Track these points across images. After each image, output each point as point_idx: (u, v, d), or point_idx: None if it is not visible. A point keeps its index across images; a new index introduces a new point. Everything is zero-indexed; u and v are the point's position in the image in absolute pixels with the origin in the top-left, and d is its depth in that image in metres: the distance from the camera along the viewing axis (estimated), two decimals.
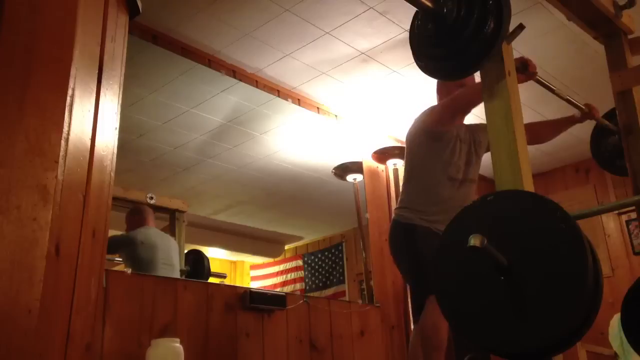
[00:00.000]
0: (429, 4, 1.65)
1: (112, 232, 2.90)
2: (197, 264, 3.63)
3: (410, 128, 2.83)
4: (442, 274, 1.38)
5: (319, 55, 3.50)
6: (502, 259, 1.24)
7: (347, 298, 4.16)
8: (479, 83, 2.06)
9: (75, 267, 1.40)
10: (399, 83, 3.83)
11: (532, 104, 4.05)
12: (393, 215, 2.83)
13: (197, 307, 2.88)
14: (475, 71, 1.70)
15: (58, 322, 1.31)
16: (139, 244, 3.22)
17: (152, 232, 3.36)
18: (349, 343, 3.62)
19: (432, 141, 2.72)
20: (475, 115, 3.14)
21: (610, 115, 2.50)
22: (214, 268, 3.96)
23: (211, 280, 3.63)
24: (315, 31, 3.28)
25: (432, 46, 1.73)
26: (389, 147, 4.20)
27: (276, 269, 4.50)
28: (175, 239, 3.57)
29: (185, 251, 3.67)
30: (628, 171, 2.01)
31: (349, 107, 4.18)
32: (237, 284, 4.34)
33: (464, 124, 2.87)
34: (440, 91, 2.88)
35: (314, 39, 3.34)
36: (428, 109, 2.79)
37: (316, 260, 4.42)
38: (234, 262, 4.61)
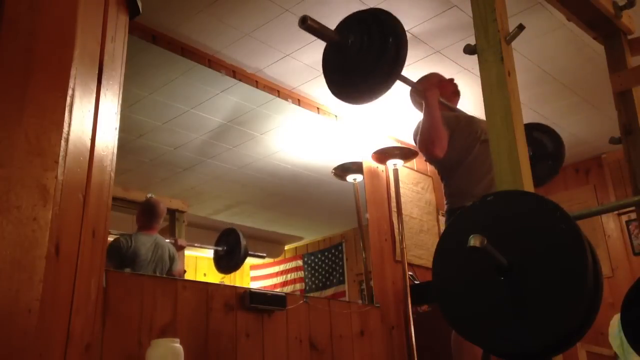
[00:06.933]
0: (334, 36, 1.95)
1: (112, 232, 2.90)
2: (233, 244, 3.65)
3: None
4: (441, 275, 1.38)
5: (319, 55, 3.47)
6: (502, 259, 1.24)
7: (347, 298, 4.15)
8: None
9: (75, 267, 1.40)
10: (398, 83, 3.82)
11: (532, 104, 4.05)
12: None
13: (196, 307, 2.88)
14: (382, 94, 1.97)
15: (58, 322, 1.31)
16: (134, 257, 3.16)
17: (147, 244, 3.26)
18: (349, 343, 3.62)
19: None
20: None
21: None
22: (214, 268, 3.95)
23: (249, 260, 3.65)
24: None
25: (341, 73, 1.99)
26: (389, 147, 4.20)
27: (276, 269, 4.50)
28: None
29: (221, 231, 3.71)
30: (628, 172, 2.01)
31: (349, 108, 4.18)
32: (237, 284, 4.34)
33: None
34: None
35: (314, 39, 3.33)
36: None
37: (316, 260, 4.42)
38: None
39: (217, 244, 3.73)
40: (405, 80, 2.39)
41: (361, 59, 1.92)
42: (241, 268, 4.61)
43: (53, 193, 1.25)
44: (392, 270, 4.15)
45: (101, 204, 1.64)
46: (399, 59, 1.92)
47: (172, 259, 3.31)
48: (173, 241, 3.42)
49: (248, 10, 3.09)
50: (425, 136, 2.73)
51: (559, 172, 2.80)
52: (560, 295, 1.18)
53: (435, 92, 2.78)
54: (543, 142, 2.78)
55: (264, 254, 4.08)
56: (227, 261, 3.74)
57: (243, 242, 3.65)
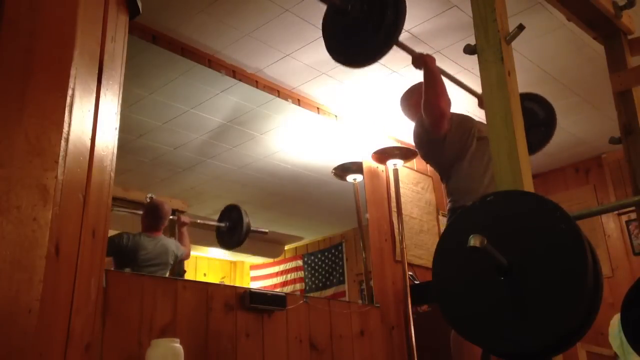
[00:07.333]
0: (336, 1, 2.01)
1: (112, 232, 2.90)
2: (236, 220, 3.68)
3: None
4: (441, 275, 1.38)
5: (319, 55, 3.50)
6: (502, 259, 1.24)
7: (347, 298, 4.15)
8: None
9: (75, 267, 1.40)
10: (399, 83, 3.83)
11: None
12: None
13: (196, 307, 2.88)
14: (381, 57, 2.04)
15: (58, 322, 1.31)
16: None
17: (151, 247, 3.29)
18: (349, 343, 3.62)
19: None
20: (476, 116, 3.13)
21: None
22: (214, 268, 3.95)
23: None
24: (315, 31, 3.28)
25: (341, 38, 2.05)
26: (389, 147, 4.20)
27: (276, 269, 4.50)
28: (175, 240, 3.55)
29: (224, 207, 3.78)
30: (628, 172, 2.01)
31: (348, 107, 4.18)
32: (237, 284, 4.34)
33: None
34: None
35: (314, 39, 3.34)
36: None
37: (316, 260, 4.42)
38: (233, 262, 4.61)
39: (220, 220, 3.77)
40: (403, 47, 2.45)
41: (360, 24, 1.99)
42: (241, 268, 4.62)
43: (53, 193, 1.25)
44: (392, 270, 4.15)
45: (101, 204, 1.64)
46: (398, 25, 1.98)
47: (175, 259, 3.33)
48: (176, 219, 3.45)
49: (248, 10, 3.09)
50: (431, 93, 2.70)
51: (551, 139, 2.86)
52: (560, 295, 1.18)
53: (432, 57, 2.78)
54: (534, 110, 2.83)
55: (266, 230, 4.07)
56: (230, 237, 3.76)
57: (245, 218, 3.67)
